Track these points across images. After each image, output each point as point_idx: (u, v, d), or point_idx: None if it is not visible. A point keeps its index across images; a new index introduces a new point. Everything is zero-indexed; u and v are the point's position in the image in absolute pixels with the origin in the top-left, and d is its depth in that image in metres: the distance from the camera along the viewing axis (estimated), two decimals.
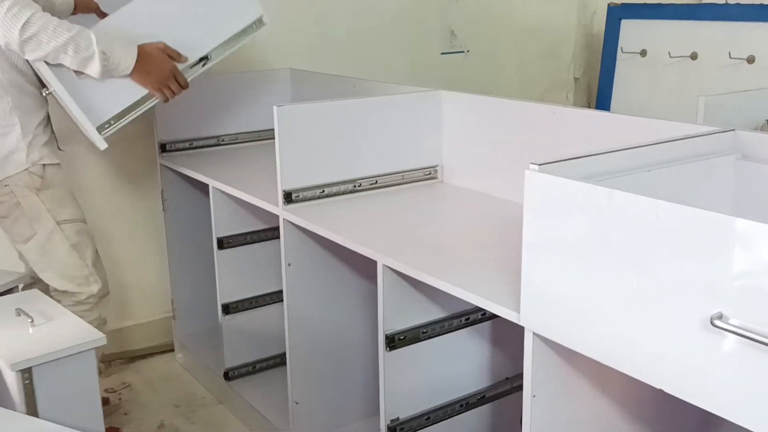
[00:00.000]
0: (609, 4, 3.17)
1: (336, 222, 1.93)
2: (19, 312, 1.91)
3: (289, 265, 2.04)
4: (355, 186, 2.14)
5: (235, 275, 2.45)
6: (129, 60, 1.96)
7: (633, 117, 1.76)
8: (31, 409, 1.72)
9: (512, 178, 1.80)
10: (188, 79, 2.06)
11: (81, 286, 2.17)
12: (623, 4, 3.12)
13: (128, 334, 2.90)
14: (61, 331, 1.86)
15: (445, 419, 1.85)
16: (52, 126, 2.16)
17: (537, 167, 1.21)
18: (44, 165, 2.06)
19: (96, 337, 1.84)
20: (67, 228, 2.12)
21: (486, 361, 1.92)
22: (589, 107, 3.43)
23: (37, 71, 2.03)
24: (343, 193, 2.13)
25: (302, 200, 2.06)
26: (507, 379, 1.95)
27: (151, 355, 2.94)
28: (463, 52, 3.57)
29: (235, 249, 2.43)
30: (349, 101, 2.14)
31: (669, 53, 2.91)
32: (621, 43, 3.11)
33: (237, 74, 2.79)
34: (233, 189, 2.26)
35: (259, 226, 2.46)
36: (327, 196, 2.10)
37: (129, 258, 2.89)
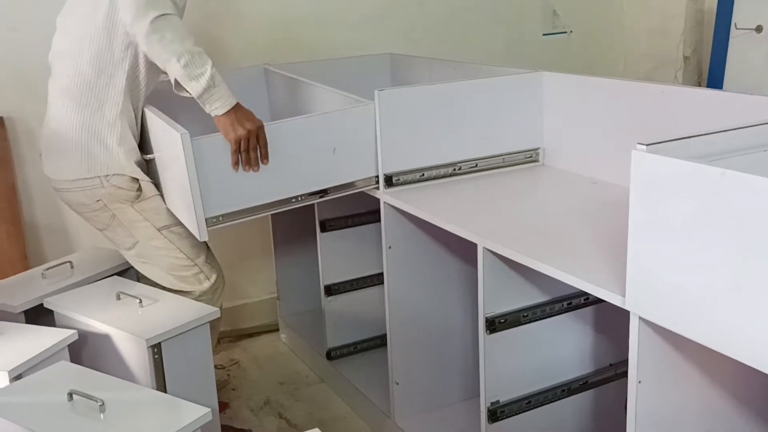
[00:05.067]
0: None
1: (436, 205, 1.94)
2: (120, 295, 1.99)
3: (389, 247, 2.06)
4: (455, 169, 2.15)
5: (337, 257, 2.50)
6: (227, 103, 1.88)
7: (747, 95, 1.69)
8: (160, 383, 1.81)
9: (616, 160, 1.77)
10: (305, 203, 1.97)
11: (192, 285, 2.17)
12: None
13: (236, 313, 3.01)
14: (172, 309, 1.94)
15: (546, 404, 1.84)
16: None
17: (645, 147, 1.17)
18: (138, 180, 2.06)
19: (211, 311, 1.92)
20: (167, 233, 2.12)
21: (589, 347, 1.89)
22: (699, 87, 3.29)
23: (146, 135, 2.09)
24: (444, 176, 2.13)
25: (403, 183, 2.08)
26: (611, 365, 1.92)
27: (258, 334, 3.05)
28: (566, 32, 3.49)
29: (337, 232, 2.48)
30: (449, 84, 2.14)
31: None
32: (735, 18, 2.97)
33: (338, 60, 2.83)
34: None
35: (361, 209, 2.49)
36: (427, 179, 2.11)
37: (236, 240, 3.00)
